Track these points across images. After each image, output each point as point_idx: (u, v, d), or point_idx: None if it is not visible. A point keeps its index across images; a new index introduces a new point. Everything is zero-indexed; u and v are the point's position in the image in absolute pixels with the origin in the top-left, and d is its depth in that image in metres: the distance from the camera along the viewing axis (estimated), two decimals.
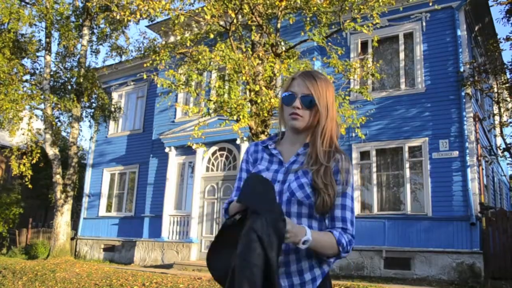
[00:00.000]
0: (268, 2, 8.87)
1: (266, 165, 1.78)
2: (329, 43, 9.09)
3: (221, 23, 9.48)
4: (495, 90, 12.36)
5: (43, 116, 14.81)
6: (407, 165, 11.21)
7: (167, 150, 14.46)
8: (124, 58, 16.12)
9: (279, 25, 9.52)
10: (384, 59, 12.12)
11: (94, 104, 16.00)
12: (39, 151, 14.38)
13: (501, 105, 12.55)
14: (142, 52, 13.33)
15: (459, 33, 11.20)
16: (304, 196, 1.64)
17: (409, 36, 12.06)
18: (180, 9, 9.21)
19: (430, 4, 9.99)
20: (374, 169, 11.61)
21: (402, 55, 12.04)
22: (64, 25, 14.63)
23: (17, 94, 13.75)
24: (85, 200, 17.56)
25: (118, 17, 10.10)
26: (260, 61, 8.79)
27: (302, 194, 1.64)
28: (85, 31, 15.36)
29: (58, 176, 14.42)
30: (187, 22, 10.85)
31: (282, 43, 10.02)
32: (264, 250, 1.35)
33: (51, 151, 14.49)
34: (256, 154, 1.86)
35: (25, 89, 14.72)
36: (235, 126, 8.37)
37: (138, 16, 9.22)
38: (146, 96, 16.95)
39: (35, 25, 14.75)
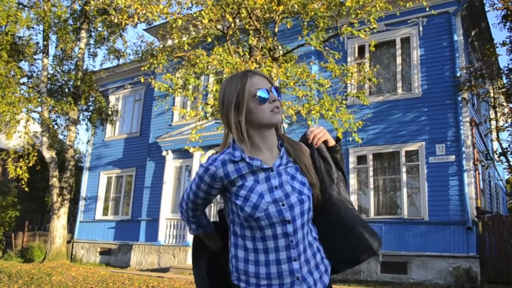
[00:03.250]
0: (265, 6, 8.89)
1: (252, 181, 1.61)
2: (326, 48, 9.12)
3: (219, 27, 9.49)
4: (492, 95, 12.41)
5: (40, 119, 14.79)
6: (403, 169, 11.23)
7: (164, 153, 14.45)
8: (121, 61, 16.19)
9: (276, 30, 9.54)
10: (381, 63, 12.17)
11: (91, 107, 16.00)
12: (35, 154, 14.34)
13: (497, 109, 12.59)
14: (140, 55, 13.35)
15: (455, 38, 11.25)
16: (308, 192, 1.65)
17: (406, 41, 12.10)
18: (178, 13, 9.23)
19: (427, 9, 10.04)
20: (371, 173, 11.63)
21: (399, 60, 12.08)
22: (62, 28, 14.65)
23: (14, 97, 13.73)
24: (81, 203, 17.50)
25: (115, 20, 10.08)
26: (257, 65, 8.80)
27: (307, 190, 1.64)
28: (83, 34, 15.37)
29: (54, 179, 14.38)
30: (184, 26, 10.86)
31: (280, 47, 10.04)
32: None
33: (48, 154, 14.46)
34: (229, 178, 1.62)
35: (22, 92, 14.72)
36: None
37: (136, 20, 9.23)
38: (143, 99, 16.94)
39: (33, 28, 14.76)
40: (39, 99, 14.41)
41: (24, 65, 31.09)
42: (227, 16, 8.75)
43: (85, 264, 15.16)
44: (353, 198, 11.62)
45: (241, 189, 1.60)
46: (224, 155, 1.65)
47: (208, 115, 9.34)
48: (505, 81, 12.26)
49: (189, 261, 12.87)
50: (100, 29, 15.60)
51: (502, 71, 12.02)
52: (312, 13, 9.08)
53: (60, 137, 18.19)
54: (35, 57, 15.43)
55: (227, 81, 1.69)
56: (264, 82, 1.64)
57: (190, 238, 13.18)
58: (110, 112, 16.23)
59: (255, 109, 1.60)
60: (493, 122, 12.78)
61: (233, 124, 1.62)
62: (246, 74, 1.65)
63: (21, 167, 14.08)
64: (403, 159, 11.28)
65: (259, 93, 1.60)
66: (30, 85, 15.16)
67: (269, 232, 1.57)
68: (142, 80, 10.11)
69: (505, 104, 12.75)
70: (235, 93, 1.62)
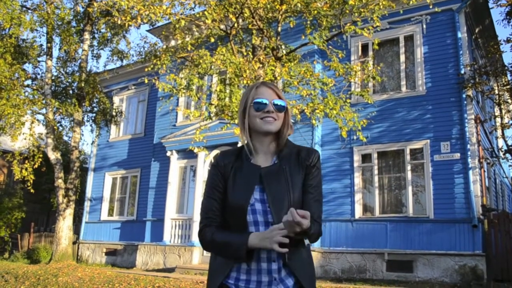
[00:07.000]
0: (268, 6, 8.89)
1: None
2: (330, 46, 9.10)
3: (222, 27, 9.50)
4: (496, 92, 12.36)
5: (44, 121, 14.84)
6: (408, 167, 11.21)
7: (168, 154, 14.47)
8: (125, 62, 16.19)
9: (279, 29, 9.54)
10: (384, 61, 12.14)
11: (95, 109, 16.03)
12: (41, 155, 14.39)
13: (502, 107, 12.54)
14: (143, 56, 13.33)
15: (459, 35, 11.21)
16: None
17: (409, 39, 12.07)
18: (181, 14, 9.24)
19: (430, 6, 10.00)
20: (376, 172, 11.61)
21: (402, 58, 12.05)
22: (65, 30, 14.68)
23: (19, 99, 13.77)
24: (87, 204, 17.57)
25: (119, 22, 10.09)
26: (261, 65, 8.80)
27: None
28: (86, 36, 15.39)
29: (60, 181, 14.43)
30: (188, 26, 10.87)
31: (283, 47, 10.03)
32: None
33: (53, 156, 14.51)
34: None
35: (26, 94, 14.75)
36: (236, 129, 8.39)
37: (139, 21, 9.23)
38: (147, 100, 16.98)
39: (36, 30, 14.78)
40: (44, 101, 14.45)
41: (28, 67, 31.28)
42: (230, 16, 8.75)
43: (91, 265, 15.22)
44: (358, 197, 11.62)
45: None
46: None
47: (212, 115, 9.35)
48: (509, 78, 12.20)
49: (195, 261, 12.90)
50: (103, 30, 15.61)
51: (506, 68, 11.97)
52: (315, 12, 9.06)
53: (65, 138, 18.29)
54: (39, 59, 15.47)
55: (245, 90, 1.94)
56: (269, 93, 1.83)
57: (195, 238, 13.20)
58: (114, 113, 16.27)
59: (252, 115, 1.81)
60: (498, 119, 12.73)
61: (240, 125, 1.85)
62: (257, 84, 1.87)
63: (26, 169, 14.13)
64: (408, 157, 11.26)
65: (255, 101, 1.80)
66: (34, 87, 15.21)
67: (253, 230, 1.72)
68: (146, 81, 10.13)
69: (510, 101, 12.69)
70: (244, 99, 1.85)
